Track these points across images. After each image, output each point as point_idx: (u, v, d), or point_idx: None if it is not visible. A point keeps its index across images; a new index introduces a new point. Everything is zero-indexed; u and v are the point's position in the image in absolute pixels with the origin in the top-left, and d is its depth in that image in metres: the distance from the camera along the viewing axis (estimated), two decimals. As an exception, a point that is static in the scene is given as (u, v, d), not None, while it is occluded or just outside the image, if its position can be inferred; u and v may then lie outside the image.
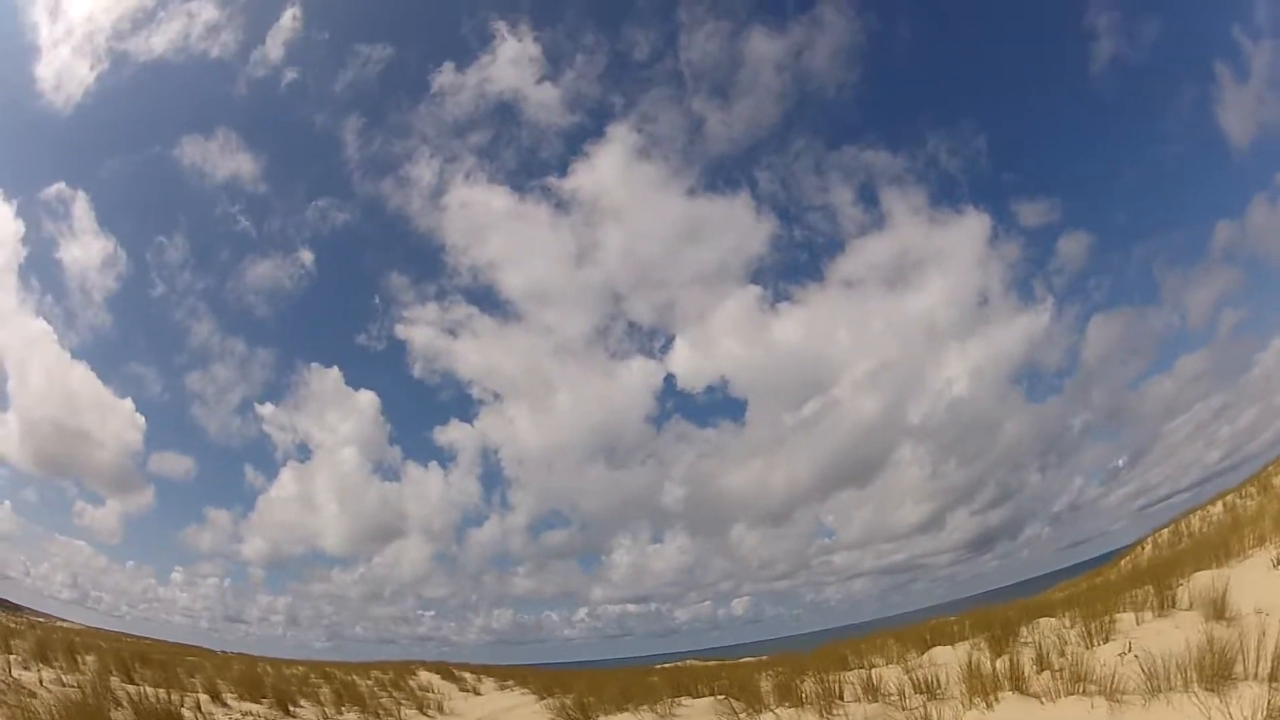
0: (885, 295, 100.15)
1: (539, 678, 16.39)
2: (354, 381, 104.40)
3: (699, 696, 8.81)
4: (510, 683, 15.70)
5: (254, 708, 10.47)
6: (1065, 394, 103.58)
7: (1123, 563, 21.06)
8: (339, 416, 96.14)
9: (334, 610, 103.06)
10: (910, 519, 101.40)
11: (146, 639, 30.34)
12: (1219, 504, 20.05)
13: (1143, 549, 21.15)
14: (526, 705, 11.30)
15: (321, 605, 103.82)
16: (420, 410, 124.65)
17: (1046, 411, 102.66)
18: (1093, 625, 7.53)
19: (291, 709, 10.81)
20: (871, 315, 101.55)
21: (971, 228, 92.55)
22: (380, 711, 10.76)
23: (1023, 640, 8.22)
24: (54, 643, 12.62)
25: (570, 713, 9.00)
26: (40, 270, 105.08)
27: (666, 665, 23.98)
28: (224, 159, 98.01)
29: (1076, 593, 15.57)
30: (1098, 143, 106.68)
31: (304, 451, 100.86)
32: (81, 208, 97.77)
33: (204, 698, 10.65)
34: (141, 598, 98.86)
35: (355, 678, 16.17)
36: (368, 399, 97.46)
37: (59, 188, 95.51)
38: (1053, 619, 9.21)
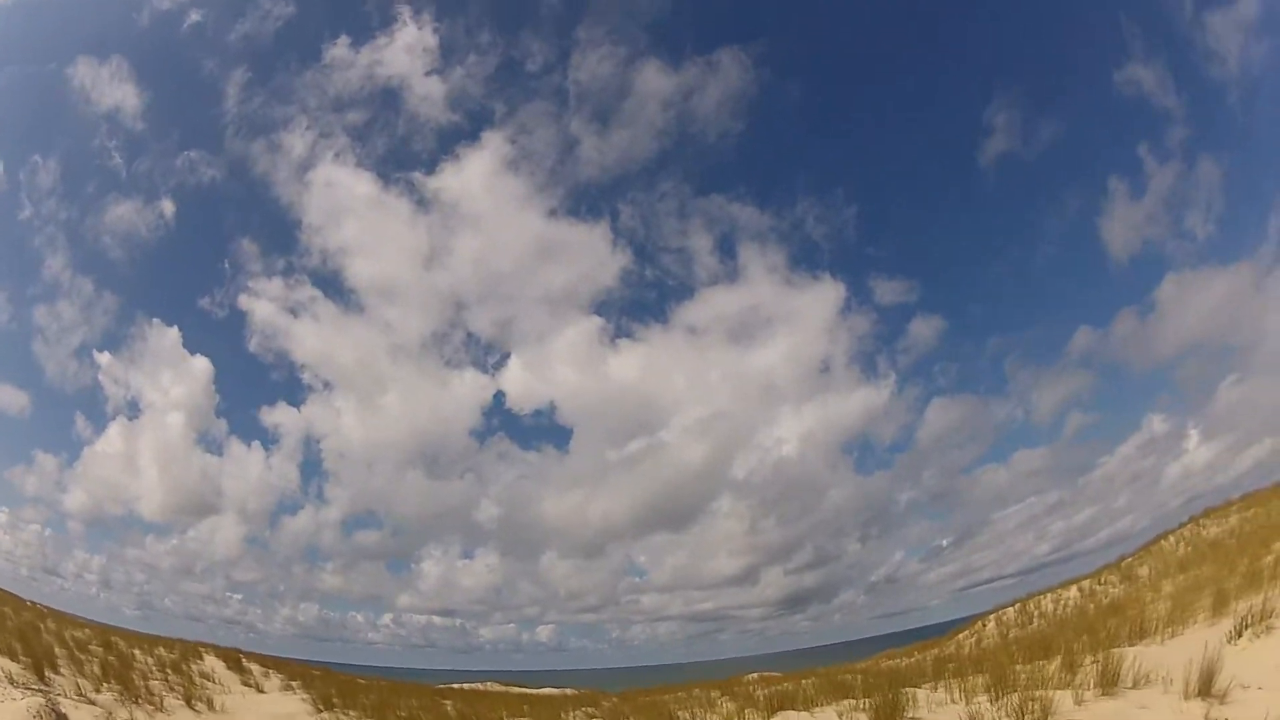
0: (727, 347, 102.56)
1: (329, 682, 16.37)
2: (191, 345, 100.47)
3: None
4: (296, 684, 15.61)
5: (9, 666, 10.21)
6: (895, 469, 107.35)
7: (961, 637, 21.59)
8: (172, 378, 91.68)
9: (146, 579, 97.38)
10: (723, 570, 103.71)
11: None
12: (1073, 589, 20.75)
13: (984, 625, 21.67)
14: (301, 715, 11.46)
15: (134, 571, 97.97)
16: (251, 386, 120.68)
17: (874, 484, 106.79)
18: (1006, 700, 6.58)
19: (48, 674, 10.59)
20: (711, 365, 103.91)
21: (825, 295, 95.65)
22: (141, 696, 10.67)
23: (911, 716, 7.39)
24: None
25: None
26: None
27: (466, 686, 24.16)
28: (111, 88, 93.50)
29: (925, 662, 15.38)
30: (970, 233, 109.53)
31: (134, 409, 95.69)
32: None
33: (-44, 648, 10.32)
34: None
35: (138, 652, 15.67)
36: (202, 365, 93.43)
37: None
38: (929, 691, 8.61)
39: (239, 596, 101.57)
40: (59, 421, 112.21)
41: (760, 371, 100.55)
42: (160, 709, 10.58)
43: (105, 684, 11.10)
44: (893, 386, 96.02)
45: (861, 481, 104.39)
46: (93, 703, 9.43)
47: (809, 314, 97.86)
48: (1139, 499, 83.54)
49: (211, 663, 16.72)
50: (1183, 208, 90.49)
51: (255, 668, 17.30)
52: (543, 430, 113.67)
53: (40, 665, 10.58)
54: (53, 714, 8.17)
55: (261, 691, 14.86)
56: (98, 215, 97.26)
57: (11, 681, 9.32)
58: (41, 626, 14.60)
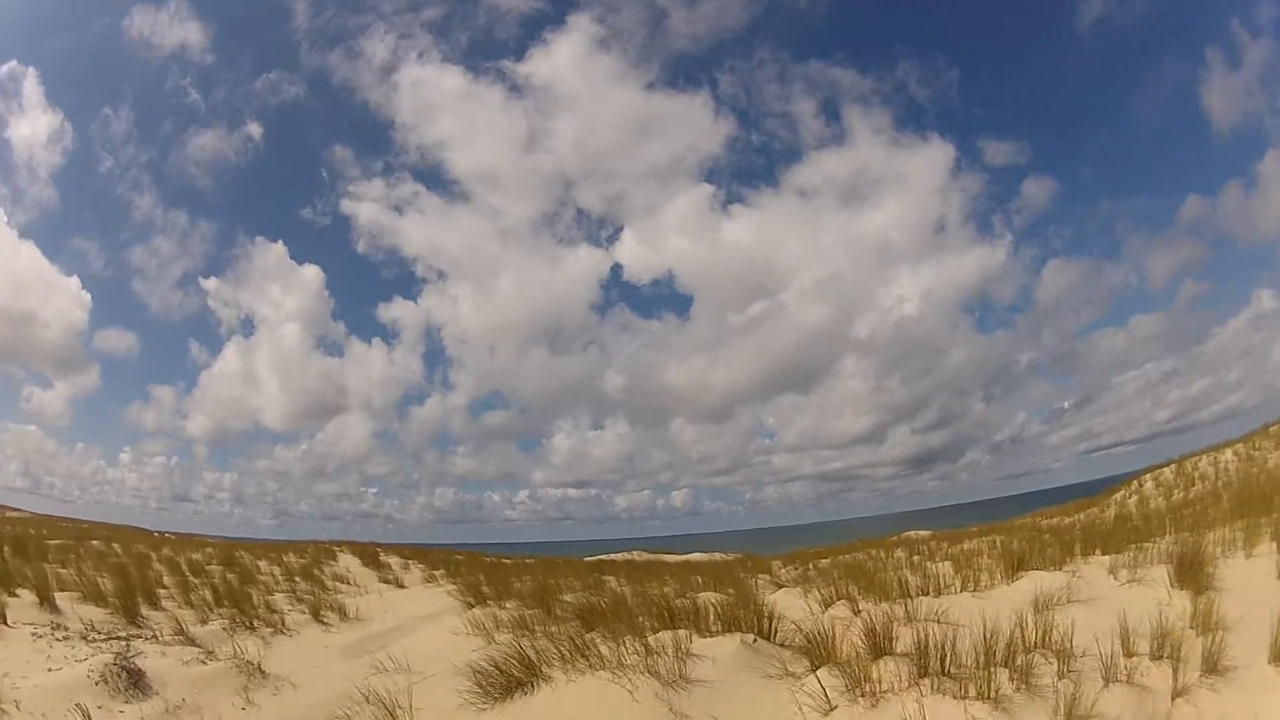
0: (839, 209, 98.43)
1: (475, 568, 14.64)
2: (298, 256, 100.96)
3: (708, 631, 5.76)
4: (439, 573, 13.88)
5: (92, 613, 8.32)
6: (1016, 329, 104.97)
7: (1118, 497, 20.44)
8: (283, 291, 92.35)
9: (278, 487, 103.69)
10: (851, 429, 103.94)
11: (86, 522, 28.58)
12: (1228, 451, 19.91)
13: (1140, 485, 20.67)
14: (445, 616, 9.34)
15: (266, 482, 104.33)
16: (364, 286, 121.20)
17: (995, 344, 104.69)
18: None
19: (146, 612, 8.70)
20: (824, 227, 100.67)
21: (935, 155, 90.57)
22: (258, 618, 8.68)
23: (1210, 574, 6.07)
24: None
25: (505, 663, 5.38)
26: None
27: (616, 557, 22.79)
28: (173, 29, 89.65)
29: (1099, 520, 14.06)
30: (1073, 96, 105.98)
31: (248, 326, 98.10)
32: (31, 85, 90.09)
33: (29, 598, 8.45)
34: (91, 481, 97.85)
35: (264, 563, 14.23)
36: (312, 274, 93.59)
37: (10, 66, 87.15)
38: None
39: (374, 490, 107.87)
40: (171, 353, 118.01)
41: (875, 232, 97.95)
42: (281, 629, 8.56)
43: (216, 610, 9.21)
44: (1009, 247, 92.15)
45: (983, 341, 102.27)
46: (191, 641, 7.35)
47: (919, 175, 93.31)
48: (1250, 374, 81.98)
49: (346, 562, 15.26)
50: (1277, 84, 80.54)
51: (394, 561, 15.81)
52: (663, 299, 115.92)
53: (134, 605, 8.66)
54: (123, 672, 5.99)
55: (402, 587, 13.15)
56: (180, 150, 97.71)
57: (86, 636, 7.30)
58: (154, 556, 13.19)
